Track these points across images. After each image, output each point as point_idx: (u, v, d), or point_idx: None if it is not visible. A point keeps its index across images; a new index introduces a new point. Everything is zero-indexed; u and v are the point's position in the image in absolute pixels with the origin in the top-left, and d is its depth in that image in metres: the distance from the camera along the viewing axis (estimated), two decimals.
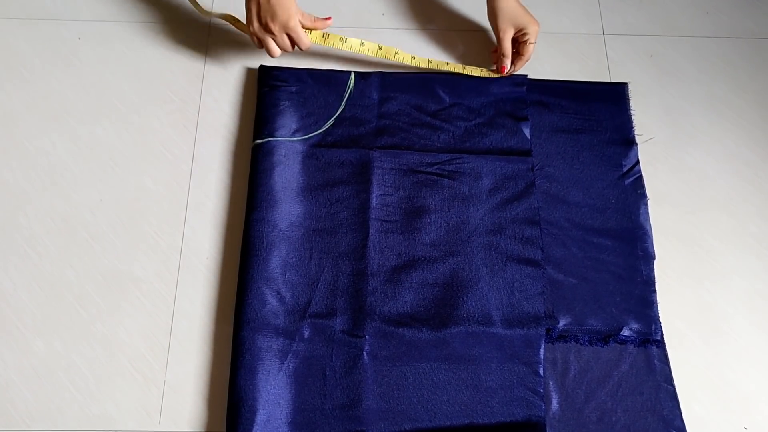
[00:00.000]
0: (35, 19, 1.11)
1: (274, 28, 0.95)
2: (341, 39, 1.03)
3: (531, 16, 1.03)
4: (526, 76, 1.06)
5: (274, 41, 0.97)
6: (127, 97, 1.05)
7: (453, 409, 0.86)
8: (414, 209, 0.97)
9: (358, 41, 1.04)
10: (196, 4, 1.08)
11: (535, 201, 0.97)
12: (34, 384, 0.88)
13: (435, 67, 1.06)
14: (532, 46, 1.03)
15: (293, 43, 0.98)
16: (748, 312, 0.95)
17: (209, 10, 1.12)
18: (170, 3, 1.13)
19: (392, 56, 1.05)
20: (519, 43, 1.04)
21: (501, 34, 1.03)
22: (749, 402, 0.90)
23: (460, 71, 1.06)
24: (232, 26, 1.10)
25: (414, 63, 1.05)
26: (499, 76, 1.06)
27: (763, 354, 0.92)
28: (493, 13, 1.04)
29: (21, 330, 0.91)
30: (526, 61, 1.05)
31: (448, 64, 1.06)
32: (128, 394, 0.88)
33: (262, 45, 0.98)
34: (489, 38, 1.12)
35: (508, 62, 1.05)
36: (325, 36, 1.02)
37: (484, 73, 1.06)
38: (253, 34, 0.97)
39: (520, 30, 1.03)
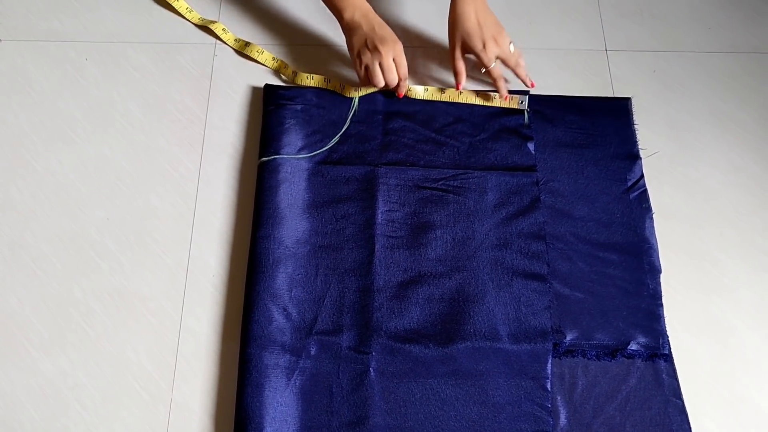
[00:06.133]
0: (43, 40, 1.12)
1: (383, 48, 0.97)
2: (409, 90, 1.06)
3: (488, 33, 1.00)
4: (527, 92, 1.07)
5: (380, 66, 0.98)
6: (134, 117, 1.06)
7: (460, 425, 0.86)
8: (419, 225, 0.97)
9: (422, 88, 1.06)
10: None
11: (541, 216, 0.97)
12: (41, 403, 0.88)
13: (468, 100, 1.06)
14: (493, 67, 1.02)
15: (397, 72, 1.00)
16: (757, 325, 0.94)
17: (201, 17, 1.15)
18: (176, 23, 1.14)
19: (455, 97, 1.06)
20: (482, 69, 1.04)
21: (451, 52, 1.04)
22: (759, 416, 0.89)
23: (497, 104, 1.06)
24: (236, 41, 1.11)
25: (461, 98, 1.06)
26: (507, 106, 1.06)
27: None
28: (449, 29, 1.03)
29: (28, 348, 0.91)
30: (502, 79, 1.04)
31: (477, 94, 1.06)
32: (135, 412, 0.88)
33: (366, 77, 1.00)
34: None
35: (459, 79, 1.04)
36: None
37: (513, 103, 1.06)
38: (360, 64, 0.99)
39: (470, 51, 1.02)
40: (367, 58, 0.98)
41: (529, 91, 1.07)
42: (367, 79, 1.00)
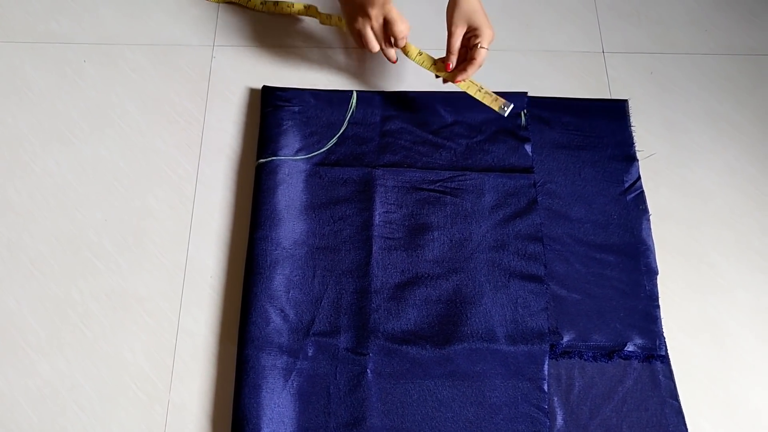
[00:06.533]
0: (41, 42, 1.12)
1: (372, 12, 0.95)
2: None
3: (488, 21, 0.98)
4: (526, 93, 1.07)
5: (372, 30, 0.97)
6: (132, 118, 1.06)
7: (457, 426, 0.86)
8: (417, 226, 0.97)
9: (417, 51, 1.02)
10: None
11: (538, 217, 0.98)
12: (39, 404, 0.88)
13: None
14: (484, 51, 0.97)
15: (390, 32, 0.97)
16: (753, 326, 0.94)
17: None
18: (174, 25, 1.15)
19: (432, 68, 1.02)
20: (470, 47, 0.98)
21: (452, 29, 0.98)
22: (755, 417, 0.89)
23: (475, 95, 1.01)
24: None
25: (417, 59, 1.02)
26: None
27: None
28: (450, 7, 0.99)
29: (25, 350, 0.91)
30: (479, 66, 0.98)
31: (477, 87, 1.01)
32: (132, 413, 0.88)
33: (360, 41, 0.99)
34: (489, 57, 1.13)
35: (453, 59, 0.99)
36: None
37: (485, 98, 1.01)
38: (354, 32, 0.99)
39: (473, 30, 0.97)
40: (359, 24, 0.97)
41: (526, 93, 1.07)
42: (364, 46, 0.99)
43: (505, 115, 1.00)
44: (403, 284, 0.93)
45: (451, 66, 1.00)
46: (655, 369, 0.90)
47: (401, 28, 0.97)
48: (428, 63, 1.02)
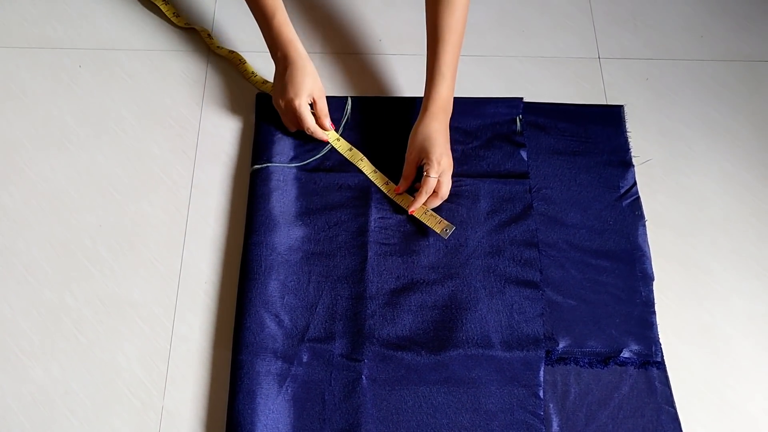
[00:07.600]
0: (37, 47, 1.12)
1: (282, 103, 0.98)
2: (338, 138, 1.03)
3: (444, 150, 0.95)
4: (521, 99, 1.07)
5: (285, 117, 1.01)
6: (127, 124, 1.06)
7: None
8: (412, 232, 0.97)
9: (348, 147, 1.03)
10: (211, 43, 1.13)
11: (533, 223, 0.97)
12: (32, 410, 0.88)
13: (384, 188, 1.00)
14: (431, 180, 0.93)
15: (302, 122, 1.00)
16: (749, 332, 0.94)
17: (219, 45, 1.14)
18: (170, 31, 1.15)
19: (356, 161, 1.02)
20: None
21: (407, 154, 0.98)
22: (752, 423, 0.89)
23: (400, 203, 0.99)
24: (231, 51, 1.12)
25: (372, 176, 1.01)
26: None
27: (765, 374, 0.92)
28: (412, 132, 0.97)
29: (19, 356, 0.91)
30: (427, 195, 0.95)
31: (401, 195, 0.99)
32: (126, 420, 0.87)
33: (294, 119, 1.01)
34: (485, 63, 1.13)
35: (403, 184, 0.97)
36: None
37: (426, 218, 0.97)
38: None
39: (424, 157, 0.94)
40: (275, 106, 1.01)
41: (522, 98, 1.07)
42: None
43: (446, 237, 0.96)
44: (399, 290, 0.93)
45: (400, 189, 0.98)
46: (651, 375, 0.90)
47: (307, 125, 1.00)
48: (380, 182, 1.00)
